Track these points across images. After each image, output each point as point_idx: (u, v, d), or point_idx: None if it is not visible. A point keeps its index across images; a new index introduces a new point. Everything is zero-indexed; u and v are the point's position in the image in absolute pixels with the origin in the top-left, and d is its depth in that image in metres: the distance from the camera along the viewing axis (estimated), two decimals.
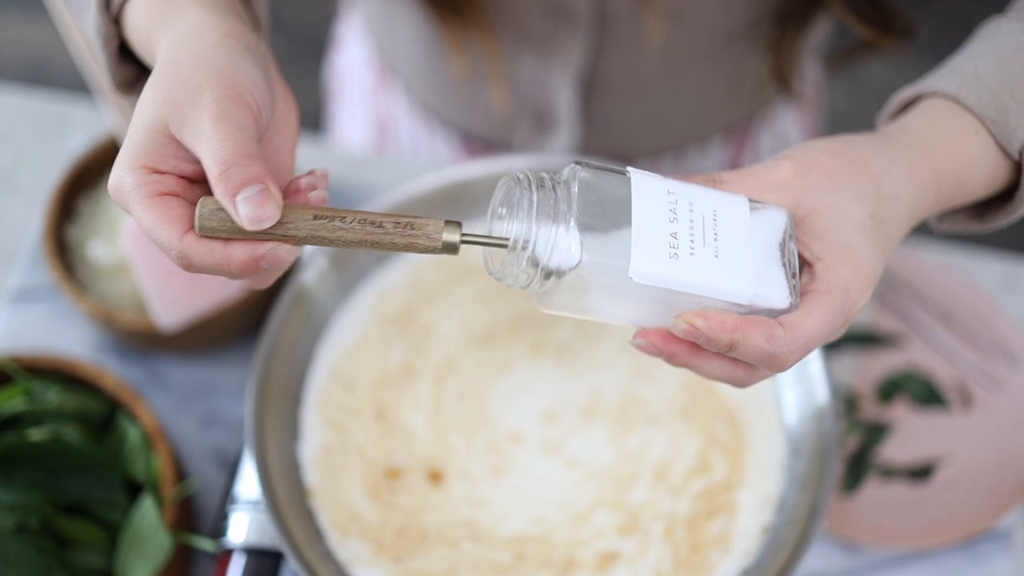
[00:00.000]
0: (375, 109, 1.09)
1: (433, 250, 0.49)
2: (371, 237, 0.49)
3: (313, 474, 0.67)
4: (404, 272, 0.75)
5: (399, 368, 0.71)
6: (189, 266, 0.48)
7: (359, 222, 0.49)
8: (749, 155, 1.04)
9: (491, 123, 0.98)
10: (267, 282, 0.52)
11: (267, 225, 0.48)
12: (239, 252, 0.48)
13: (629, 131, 0.96)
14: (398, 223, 0.49)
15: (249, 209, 0.47)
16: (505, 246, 0.49)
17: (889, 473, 0.82)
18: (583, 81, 0.90)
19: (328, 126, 1.24)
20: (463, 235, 0.49)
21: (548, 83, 0.90)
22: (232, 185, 0.47)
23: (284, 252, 0.48)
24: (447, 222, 0.49)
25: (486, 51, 0.86)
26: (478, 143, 1.01)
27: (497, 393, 0.70)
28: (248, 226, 0.47)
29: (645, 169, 0.51)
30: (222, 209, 0.48)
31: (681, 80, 0.91)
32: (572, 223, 0.47)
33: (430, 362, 0.71)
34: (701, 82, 0.92)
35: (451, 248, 0.49)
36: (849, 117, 2.19)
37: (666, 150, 1.00)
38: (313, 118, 2.09)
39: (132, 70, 0.58)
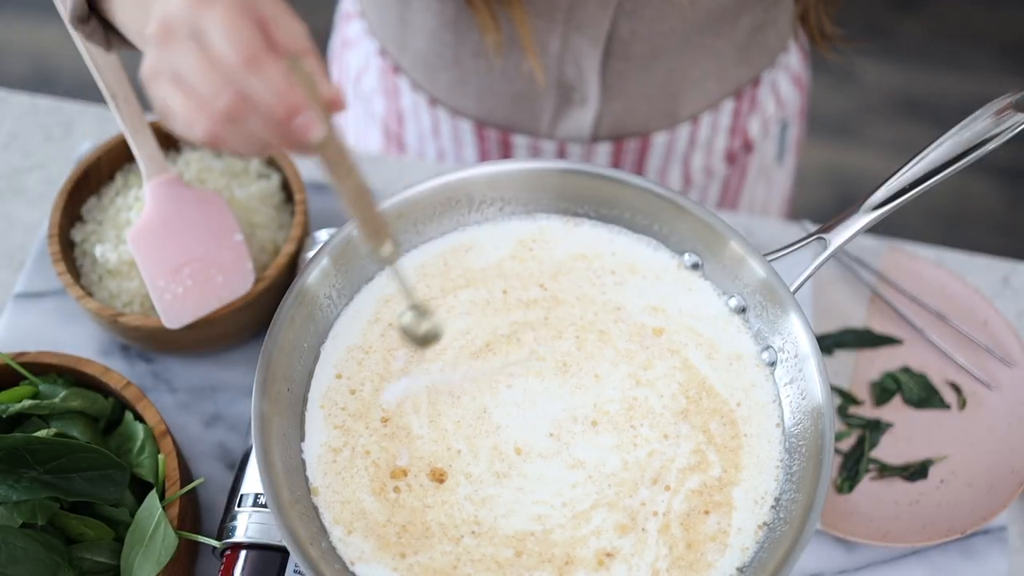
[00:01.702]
0: (379, 112, 1.09)
1: (371, 252, 0.62)
2: (359, 196, 0.59)
3: (318, 473, 0.68)
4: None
5: (399, 376, 0.71)
6: (253, 65, 0.54)
7: (363, 184, 0.59)
8: (756, 121, 1.05)
9: (510, 107, 0.99)
10: (250, 147, 0.58)
11: (337, 104, 0.57)
12: (298, 94, 0.55)
13: (647, 103, 0.97)
14: (376, 217, 0.60)
15: (334, 89, 0.57)
16: (415, 304, 0.64)
17: (885, 472, 0.82)
18: (605, 50, 0.91)
19: None
20: (391, 261, 0.62)
21: (575, 54, 0.91)
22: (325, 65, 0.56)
23: (315, 127, 0.55)
24: (395, 244, 0.62)
25: (519, 26, 0.87)
26: (493, 132, 1.01)
27: (499, 404, 0.71)
28: (327, 93, 0.56)
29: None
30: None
31: (697, 43, 0.92)
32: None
33: (430, 372, 0.72)
34: (715, 45, 0.94)
35: (380, 260, 0.62)
36: (848, 116, 2.20)
37: (682, 122, 1.01)
38: None
39: (86, 9, 0.68)
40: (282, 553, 0.72)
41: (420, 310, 0.64)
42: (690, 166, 1.05)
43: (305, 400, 0.71)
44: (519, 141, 1.01)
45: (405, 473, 0.68)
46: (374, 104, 1.09)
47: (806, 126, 1.22)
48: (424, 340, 0.65)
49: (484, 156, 1.04)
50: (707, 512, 0.67)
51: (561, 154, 1.01)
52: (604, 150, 1.01)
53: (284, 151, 0.58)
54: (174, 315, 0.79)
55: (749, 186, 1.12)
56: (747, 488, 0.68)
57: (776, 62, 1.04)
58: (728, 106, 1.02)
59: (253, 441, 0.65)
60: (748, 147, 1.08)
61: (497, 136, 1.01)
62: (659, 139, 1.01)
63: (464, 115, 1.01)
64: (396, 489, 0.68)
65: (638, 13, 0.88)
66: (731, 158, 1.07)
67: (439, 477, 0.68)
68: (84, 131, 0.99)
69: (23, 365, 0.76)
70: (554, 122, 0.98)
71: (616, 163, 1.02)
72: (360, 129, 1.14)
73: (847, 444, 0.84)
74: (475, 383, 0.71)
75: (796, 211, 1.96)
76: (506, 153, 1.03)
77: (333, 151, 0.58)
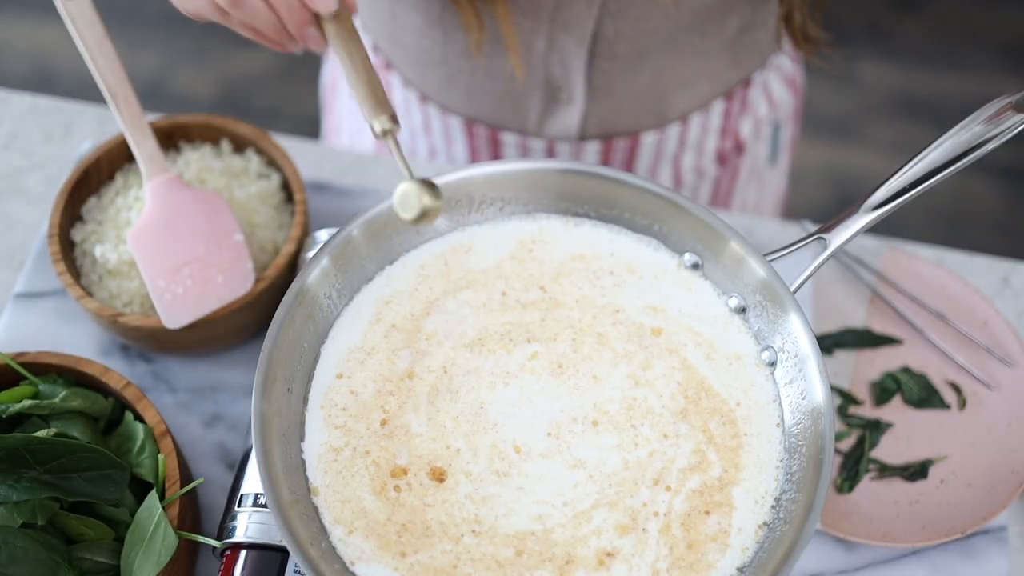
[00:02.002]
0: None
1: (371, 123, 0.65)
2: (366, 69, 0.65)
3: (318, 472, 0.68)
4: (406, 279, 0.75)
5: (402, 376, 0.71)
6: None
7: (367, 57, 0.66)
8: (747, 122, 1.05)
9: (498, 105, 0.99)
10: (262, 15, 0.64)
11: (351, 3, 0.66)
12: None
13: (634, 103, 0.97)
14: (380, 90, 0.65)
15: None
16: (417, 177, 0.65)
17: (885, 472, 0.82)
18: (591, 49, 0.91)
19: (325, 136, 1.25)
20: (390, 133, 0.65)
21: (560, 53, 0.91)
22: None
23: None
24: (393, 119, 0.65)
25: (502, 24, 0.88)
26: (482, 129, 1.01)
27: (495, 401, 0.71)
28: None
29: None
30: None
31: (683, 43, 0.92)
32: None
33: (431, 373, 0.72)
34: (702, 46, 0.94)
35: (380, 133, 0.65)
36: (848, 116, 2.20)
37: (671, 123, 1.01)
38: (313, 124, 2.10)
39: None
40: (282, 553, 0.72)
41: (423, 183, 0.65)
42: (680, 166, 1.05)
43: (305, 400, 0.71)
44: (508, 139, 1.01)
45: (405, 472, 0.68)
46: None
47: (803, 127, 1.23)
48: (423, 214, 0.65)
49: (474, 154, 1.04)
50: (707, 512, 0.67)
51: (550, 153, 1.02)
52: (593, 148, 1.01)
53: (294, 27, 0.63)
54: (174, 315, 0.79)
55: (741, 187, 1.12)
56: (747, 488, 0.68)
57: (767, 63, 1.04)
58: (718, 107, 1.02)
59: (253, 441, 0.65)
60: (739, 148, 1.08)
61: (486, 134, 1.01)
62: (648, 139, 1.01)
63: (453, 112, 1.01)
64: (397, 488, 0.68)
65: (622, 13, 0.88)
66: (722, 159, 1.07)
67: (439, 476, 0.68)
68: (84, 131, 1.00)
69: (23, 365, 0.76)
70: (541, 121, 0.99)
71: (605, 162, 1.03)
72: (354, 126, 1.14)
73: (847, 444, 0.84)
74: (475, 376, 0.71)
75: (793, 211, 1.96)
76: (495, 151, 1.03)
77: (345, 25, 0.65)
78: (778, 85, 1.07)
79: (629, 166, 1.04)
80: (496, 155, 1.04)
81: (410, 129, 1.07)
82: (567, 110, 0.97)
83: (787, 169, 1.20)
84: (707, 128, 1.03)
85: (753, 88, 1.03)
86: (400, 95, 1.04)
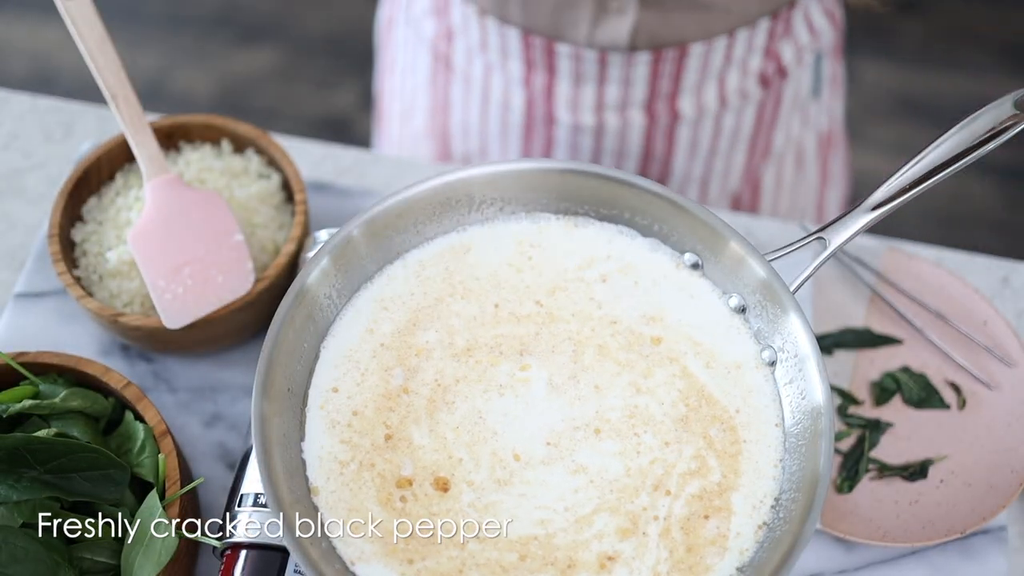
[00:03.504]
0: (428, 36, 1.12)
1: None
2: None
3: (320, 475, 0.68)
4: (405, 279, 0.75)
5: (398, 393, 0.71)
6: None
7: None
8: (789, 47, 1.08)
9: (552, 14, 1.01)
10: None
11: None
12: None
13: (683, 15, 0.99)
14: None
15: None
16: None
17: (885, 472, 0.82)
18: None
19: (378, 74, 1.28)
20: None
21: None
22: None
23: None
24: None
25: None
26: (538, 41, 1.03)
27: (491, 410, 0.71)
28: None
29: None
30: None
31: None
32: None
33: (424, 386, 0.71)
34: None
35: None
36: (848, 116, 2.19)
37: (718, 35, 1.03)
38: (313, 124, 2.10)
39: None
40: (282, 553, 0.72)
41: None
42: (725, 86, 1.07)
43: (305, 400, 0.71)
44: (562, 50, 1.03)
45: (410, 483, 0.68)
46: (424, 26, 1.12)
47: (843, 70, 1.24)
48: None
49: (530, 66, 1.06)
50: (707, 517, 0.67)
51: (602, 63, 1.03)
52: (643, 60, 1.03)
53: None
54: (174, 315, 0.79)
55: (784, 116, 1.14)
56: (746, 493, 0.68)
57: None
58: (763, 25, 1.04)
59: (253, 441, 0.65)
60: (782, 73, 1.10)
61: (542, 45, 1.03)
62: (696, 50, 1.02)
63: (510, 24, 1.02)
64: (403, 499, 0.68)
65: None
66: (765, 81, 1.09)
67: (443, 486, 0.68)
68: (84, 131, 1.00)
69: (23, 365, 0.76)
70: (592, 30, 1.00)
71: (655, 77, 1.04)
72: (409, 53, 1.17)
73: (847, 444, 0.84)
74: (465, 384, 0.71)
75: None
76: (550, 62, 1.05)
77: None
78: (818, 14, 1.09)
79: (677, 82, 1.05)
80: (551, 67, 1.05)
81: (467, 49, 1.08)
82: (617, 19, 0.98)
83: (831, 110, 1.21)
84: (752, 46, 1.05)
85: (796, 11, 1.05)
86: (459, 12, 1.06)
